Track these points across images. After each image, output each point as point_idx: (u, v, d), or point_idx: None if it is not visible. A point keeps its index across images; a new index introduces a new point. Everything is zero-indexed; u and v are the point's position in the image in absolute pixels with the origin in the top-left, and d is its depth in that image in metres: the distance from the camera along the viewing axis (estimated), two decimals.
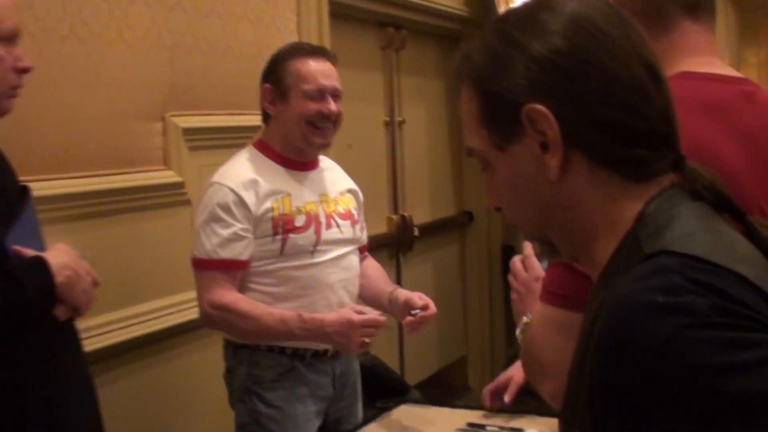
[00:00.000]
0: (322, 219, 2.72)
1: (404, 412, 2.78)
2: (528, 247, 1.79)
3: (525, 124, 1.06)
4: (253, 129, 3.49)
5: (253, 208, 2.60)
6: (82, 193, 2.71)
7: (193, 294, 3.18)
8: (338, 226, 2.76)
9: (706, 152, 1.29)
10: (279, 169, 2.71)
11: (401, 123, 5.33)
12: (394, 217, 5.21)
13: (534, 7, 1.12)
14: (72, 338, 2.06)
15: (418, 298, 2.77)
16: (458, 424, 2.56)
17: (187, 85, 3.22)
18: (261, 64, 3.53)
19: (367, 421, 2.76)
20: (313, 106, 2.65)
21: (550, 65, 1.05)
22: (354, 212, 2.85)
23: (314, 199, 2.73)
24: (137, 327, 2.99)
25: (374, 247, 4.89)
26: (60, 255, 1.89)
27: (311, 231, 2.68)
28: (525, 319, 1.62)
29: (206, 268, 2.62)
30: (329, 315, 2.61)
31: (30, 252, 1.86)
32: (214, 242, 2.59)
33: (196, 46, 3.25)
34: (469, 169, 6.12)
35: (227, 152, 3.33)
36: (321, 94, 2.66)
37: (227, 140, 3.39)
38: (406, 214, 5.28)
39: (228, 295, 2.60)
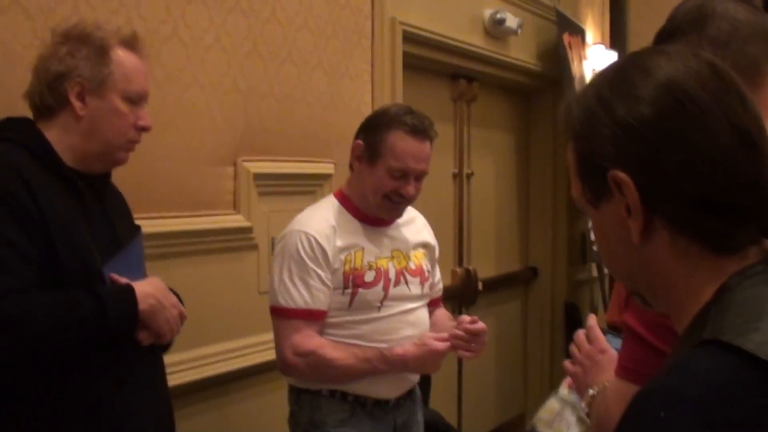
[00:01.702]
0: (392, 275, 2.70)
1: None
2: (592, 319, 1.79)
3: (612, 187, 1.06)
4: (322, 177, 3.52)
5: (331, 259, 2.60)
6: (152, 234, 2.72)
7: (256, 339, 3.21)
8: (407, 283, 2.74)
9: None
10: (355, 223, 2.69)
11: (469, 175, 5.31)
12: (458, 270, 5.17)
13: (630, 66, 1.11)
14: (157, 367, 2.23)
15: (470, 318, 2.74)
16: None
17: (259, 131, 3.24)
18: (333, 113, 3.58)
19: None
20: (392, 184, 2.62)
21: (634, 133, 1.05)
22: (425, 269, 2.82)
23: (386, 254, 2.72)
24: (199, 370, 2.99)
25: None
26: (147, 285, 2.06)
27: (380, 287, 2.66)
28: (591, 391, 1.61)
29: (290, 317, 2.59)
30: (410, 349, 2.61)
31: (124, 280, 2.03)
32: (305, 294, 2.57)
33: (270, 93, 3.28)
34: (535, 225, 6.08)
35: (296, 199, 3.36)
36: (405, 174, 2.63)
37: (296, 187, 3.41)
38: (470, 267, 5.24)
39: (311, 341, 2.59)
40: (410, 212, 2.88)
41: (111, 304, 1.93)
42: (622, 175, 1.04)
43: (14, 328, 1.80)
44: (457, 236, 5.23)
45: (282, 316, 2.61)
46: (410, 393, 2.80)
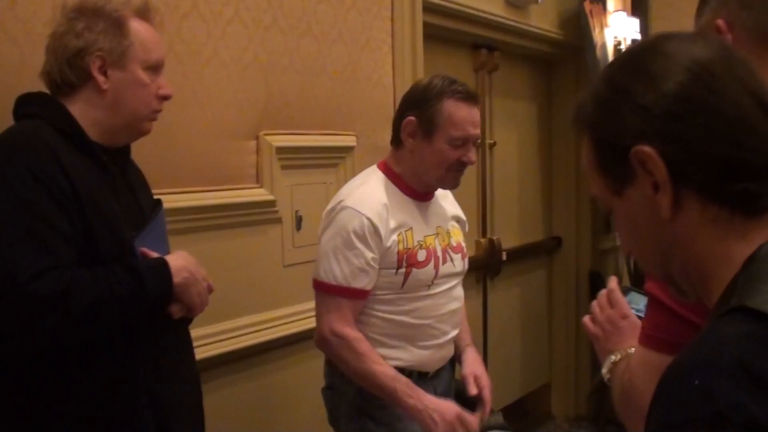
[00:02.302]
0: (440, 254, 2.70)
1: None
2: (613, 281, 1.78)
3: (635, 167, 1.08)
4: (344, 149, 3.51)
5: (384, 239, 2.58)
6: (176, 209, 2.74)
7: (281, 312, 3.23)
8: (452, 260, 2.75)
9: None
10: (406, 200, 2.68)
11: (492, 145, 5.29)
12: (482, 240, 5.17)
13: (637, 50, 1.15)
14: (185, 340, 2.28)
15: (472, 381, 2.74)
16: None
17: (281, 105, 3.24)
18: (354, 86, 3.57)
19: None
20: (455, 154, 2.61)
21: (653, 107, 1.06)
22: (463, 245, 2.84)
23: (431, 232, 2.71)
24: (225, 343, 3.01)
25: None
26: (180, 259, 2.09)
27: (431, 266, 2.66)
28: (613, 357, 1.61)
29: (333, 293, 2.59)
30: (435, 399, 2.58)
31: (155, 254, 2.06)
32: (346, 270, 2.56)
33: (291, 66, 3.27)
34: (558, 194, 6.06)
35: (319, 172, 3.37)
36: (465, 142, 2.62)
37: (319, 160, 3.41)
38: (494, 237, 5.24)
39: (351, 330, 2.59)
40: (445, 191, 2.89)
41: (148, 278, 1.96)
42: (646, 149, 1.06)
43: (57, 305, 1.82)
44: (480, 206, 5.22)
45: (323, 290, 2.61)
46: (449, 362, 2.84)
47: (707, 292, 1.10)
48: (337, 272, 2.57)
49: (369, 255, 2.56)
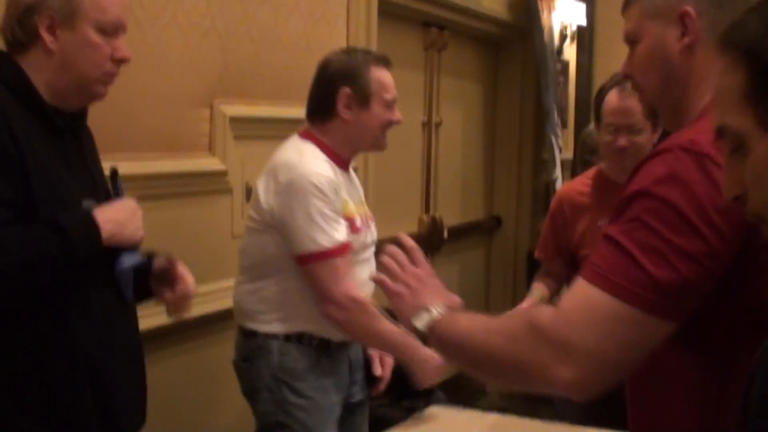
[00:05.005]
0: (364, 221, 2.78)
1: (436, 414, 2.79)
2: (408, 239, 1.75)
3: None
4: (298, 121, 3.48)
5: (337, 204, 2.64)
6: (128, 175, 2.69)
7: (228, 282, 3.20)
8: (371, 227, 2.83)
9: None
10: (336, 169, 2.71)
11: (438, 124, 5.32)
12: (425, 217, 5.20)
13: None
14: (128, 309, 2.19)
15: (378, 361, 2.88)
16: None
17: (236, 74, 3.22)
18: (309, 57, 3.54)
19: (398, 420, 2.77)
20: (390, 115, 2.76)
21: None
22: (371, 215, 2.91)
23: (356, 200, 2.79)
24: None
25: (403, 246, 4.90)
26: (111, 211, 2.01)
27: (364, 232, 2.75)
28: (434, 312, 1.57)
29: (328, 257, 2.58)
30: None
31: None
32: (327, 229, 2.57)
33: (247, 35, 3.26)
34: (500, 174, 6.13)
35: (271, 143, 3.33)
36: (393, 103, 2.77)
37: (272, 131, 3.39)
38: (437, 215, 5.28)
39: (360, 293, 2.63)
40: None
41: (76, 235, 1.89)
42: None
43: None
44: (424, 184, 5.26)
45: (320, 260, 2.59)
46: None
47: None
48: (322, 234, 2.57)
49: (337, 210, 2.61)
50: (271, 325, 2.69)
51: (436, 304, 1.58)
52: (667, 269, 1.32)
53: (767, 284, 1.35)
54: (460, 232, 5.66)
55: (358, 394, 2.87)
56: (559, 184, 5.80)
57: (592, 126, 3.69)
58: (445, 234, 5.32)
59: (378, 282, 1.73)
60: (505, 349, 1.44)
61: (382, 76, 2.74)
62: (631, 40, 1.61)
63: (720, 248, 1.32)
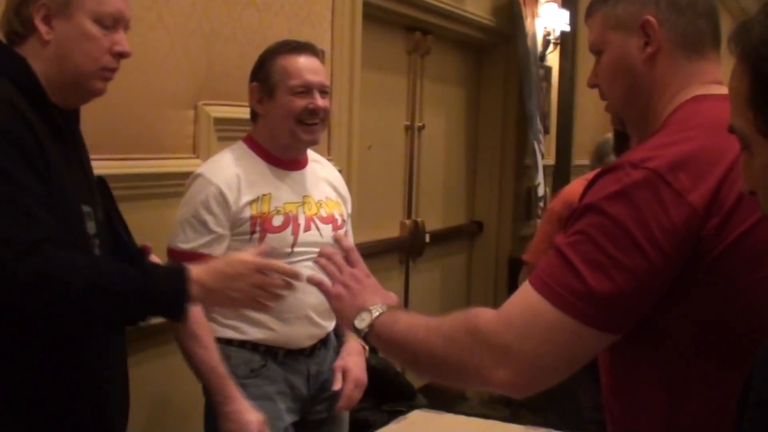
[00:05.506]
0: (301, 221, 2.68)
1: (418, 418, 2.79)
2: (344, 239, 1.79)
3: None
4: None
5: (233, 207, 2.59)
6: (113, 176, 2.68)
7: None
8: (318, 229, 2.71)
9: None
10: (264, 167, 2.69)
11: (421, 128, 5.33)
12: (407, 221, 5.21)
13: None
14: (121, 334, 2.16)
15: (339, 377, 2.68)
16: None
17: (221, 75, 3.21)
18: None
19: (380, 424, 2.77)
20: (300, 103, 2.63)
21: None
22: (338, 218, 2.79)
23: (295, 199, 2.70)
24: None
25: (385, 250, 4.92)
26: (204, 273, 1.94)
27: (288, 232, 2.65)
28: (375, 311, 1.60)
29: (181, 260, 2.48)
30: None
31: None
32: (191, 237, 2.57)
33: (232, 37, 3.25)
34: (482, 179, 6.14)
35: None
36: (308, 90, 2.64)
37: None
38: (419, 219, 5.29)
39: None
40: (328, 166, 2.93)
41: (158, 285, 1.86)
42: None
43: (49, 288, 1.72)
44: (406, 188, 5.27)
45: (173, 257, 2.59)
46: (324, 342, 2.78)
47: None
48: (183, 240, 2.58)
49: (218, 230, 2.57)
50: (225, 331, 2.66)
51: (376, 303, 1.61)
52: (606, 283, 1.36)
53: (709, 303, 1.38)
54: (441, 237, 5.67)
55: (323, 413, 2.78)
56: (540, 190, 5.82)
57: (610, 135, 3.64)
58: (427, 238, 5.33)
59: (315, 283, 1.75)
60: (445, 349, 1.49)
61: (287, 63, 2.64)
62: (596, 50, 1.63)
63: (661, 265, 1.36)
